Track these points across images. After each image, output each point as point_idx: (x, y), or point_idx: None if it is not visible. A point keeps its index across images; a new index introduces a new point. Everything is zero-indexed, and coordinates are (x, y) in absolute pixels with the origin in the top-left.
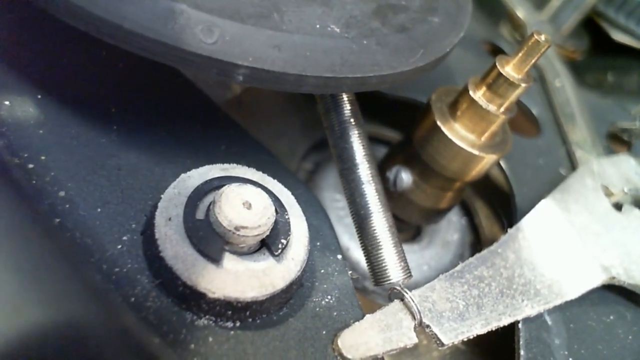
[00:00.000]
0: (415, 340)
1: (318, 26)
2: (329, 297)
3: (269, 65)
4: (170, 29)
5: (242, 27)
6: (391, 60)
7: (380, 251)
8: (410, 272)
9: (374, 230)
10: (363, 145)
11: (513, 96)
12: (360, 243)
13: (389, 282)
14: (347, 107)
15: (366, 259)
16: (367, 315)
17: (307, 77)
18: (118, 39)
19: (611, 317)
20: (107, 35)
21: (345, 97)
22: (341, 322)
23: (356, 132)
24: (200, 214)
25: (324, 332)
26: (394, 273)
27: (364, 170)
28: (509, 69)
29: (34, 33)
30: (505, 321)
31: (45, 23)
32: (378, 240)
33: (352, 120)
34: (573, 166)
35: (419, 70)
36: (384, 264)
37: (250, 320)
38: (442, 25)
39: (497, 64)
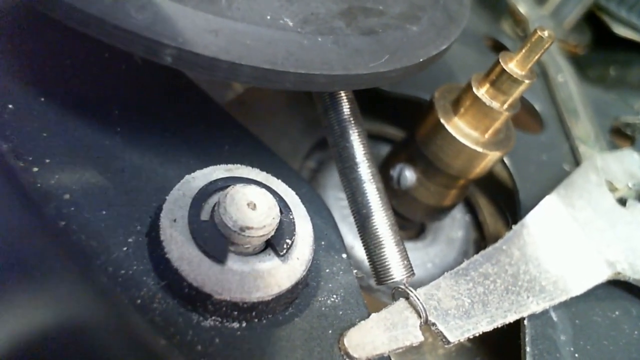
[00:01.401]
0: (421, 338)
1: (269, 17)
2: (335, 296)
3: (201, 49)
4: (101, 1)
5: (179, 8)
6: (347, 61)
7: (383, 250)
8: (412, 270)
9: (376, 229)
10: (363, 144)
11: (517, 93)
12: (362, 242)
13: (391, 280)
14: (346, 106)
15: (368, 258)
16: (373, 314)
17: (243, 66)
18: (48, 7)
19: (617, 313)
20: (39, 4)
21: (344, 95)
22: (347, 321)
23: (356, 130)
24: (205, 215)
25: (330, 332)
26: (397, 271)
27: (365, 169)
28: (513, 66)
29: (36, 36)
30: (511, 318)
31: (47, 26)
32: (380, 239)
33: (351, 119)
34: (577, 162)
35: (381, 76)
36: (386, 263)
37: (256, 320)
38: (421, 35)
39: (500, 60)
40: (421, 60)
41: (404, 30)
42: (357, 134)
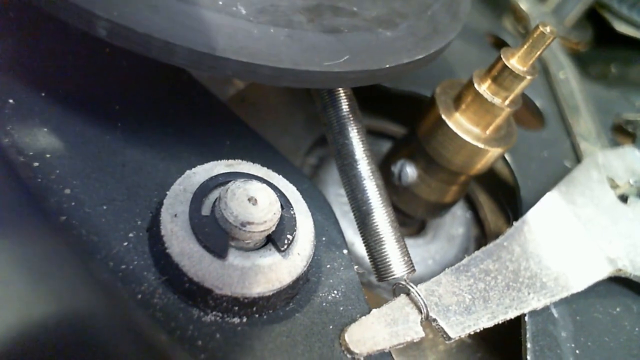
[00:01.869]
0: (422, 334)
1: (221, 2)
2: (335, 292)
3: (134, 24)
4: None
5: None
6: (298, 56)
7: (383, 246)
8: (413, 267)
9: (376, 225)
10: (362, 141)
11: (518, 89)
12: (363, 239)
13: (392, 277)
14: (345, 103)
15: (369, 255)
16: (374, 310)
17: (177, 46)
18: None
19: (617, 309)
20: None
21: (342, 92)
22: (348, 317)
23: (355, 127)
24: (206, 210)
25: (331, 327)
26: (398, 268)
27: (364, 166)
28: (514, 62)
29: (37, 32)
30: (512, 314)
31: (48, 22)
32: (380, 236)
33: (350, 116)
34: (578, 158)
35: (337, 76)
36: (387, 259)
37: (257, 316)
38: (394, 41)
39: (502, 56)
40: (387, 66)
41: (374, 33)
42: (356, 131)
